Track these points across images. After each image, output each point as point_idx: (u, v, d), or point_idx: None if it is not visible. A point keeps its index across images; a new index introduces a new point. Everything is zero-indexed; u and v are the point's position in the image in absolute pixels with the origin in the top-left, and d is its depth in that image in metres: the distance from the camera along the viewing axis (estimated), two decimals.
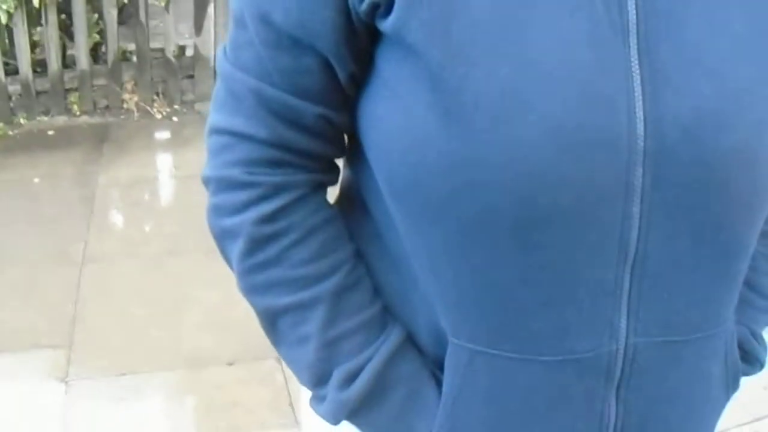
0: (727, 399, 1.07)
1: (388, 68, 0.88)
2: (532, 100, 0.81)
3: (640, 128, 0.83)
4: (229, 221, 0.96)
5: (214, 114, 0.97)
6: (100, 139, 4.59)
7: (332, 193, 1.04)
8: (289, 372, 1.04)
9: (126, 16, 5.00)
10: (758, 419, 2.78)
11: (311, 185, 0.97)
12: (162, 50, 4.89)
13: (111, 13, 4.68)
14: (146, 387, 2.89)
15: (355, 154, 0.98)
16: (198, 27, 4.88)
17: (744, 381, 1.10)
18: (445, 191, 0.86)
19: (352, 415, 0.98)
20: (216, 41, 4.86)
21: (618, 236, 0.87)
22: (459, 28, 0.82)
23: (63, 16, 4.72)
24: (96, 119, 4.81)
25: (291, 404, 2.78)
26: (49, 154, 4.43)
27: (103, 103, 4.89)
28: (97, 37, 4.88)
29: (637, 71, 0.83)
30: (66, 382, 2.88)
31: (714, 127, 0.84)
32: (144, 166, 4.37)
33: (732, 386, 1.06)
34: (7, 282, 3.39)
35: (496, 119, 0.81)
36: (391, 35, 0.86)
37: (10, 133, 4.62)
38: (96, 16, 4.82)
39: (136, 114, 4.86)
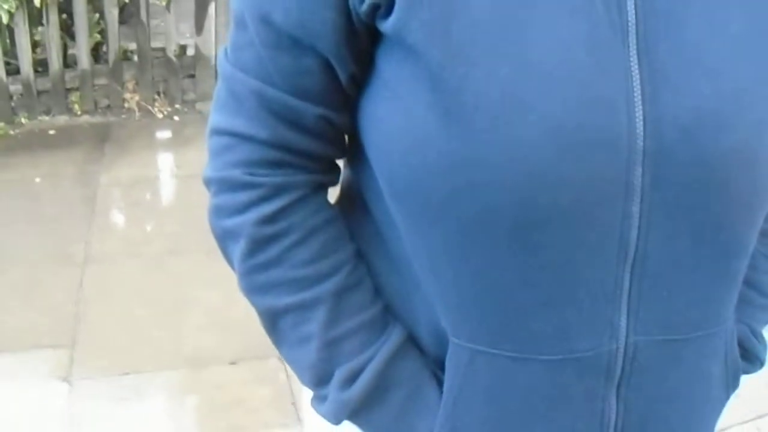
0: (728, 397, 1.07)
1: (389, 69, 0.88)
2: (531, 101, 0.81)
3: (639, 128, 0.83)
4: (231, 222, 0.96)
5: (215, 115, 0.98)
6: (101, 138, 4.59)
7: (333, 194, 1.04)
8: (291, 371, 1.04)
9: (127, 15, 5.00)
10: (761, 416, 2.78)
11: (312, 186, 0.98)
12: (163, 50, 4.90)
13: (112, 13, 4.68)
14: (149, 386, 2.90)
15: (356, 154, 0.98)
16: (199, 26, 4.88)
17: (746, 378, 1.10)
18: (445, 191, 0.86)
19: (354, 415, 0.98)
20: (217, 41, 4.86)
21: (618, 236, 0.87)
22: (459, 29, 0.82)
23: (64, 15, 4.72)
24: (97, 119, 4.81)
25: (293, 403, 2.78)
26: (50, 153, 4.43)
27: (104, 102, 4.89)
28: (98, 36, 4.88)
29: (637, 71, 0.83)
30: (69, 382, 2.88)
31: (713, 127, 0.84)
32: (145, 166, 4.38)
33: (732, 385, 1.06)
34: (8, 282, 3.40)
35: (496, 119, 0.81)
36: (392, 36, 0.86)
37: (12, 132, 4.62)
38: (97, 15, 4.83)
39: (137, 113, 4.86)
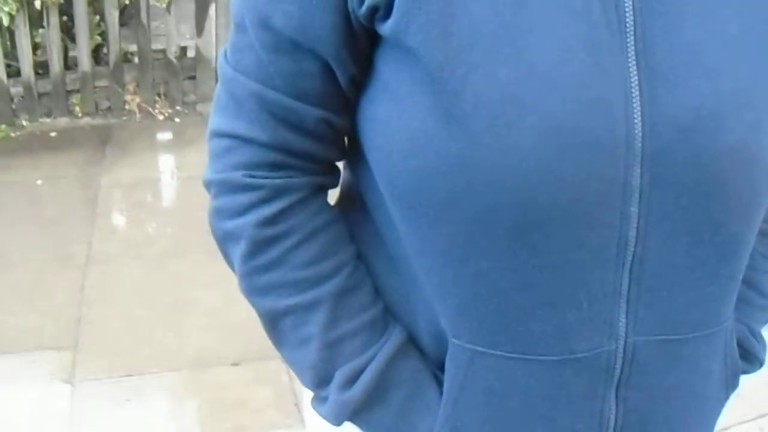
0: (727, 397, 1.07)
1: (388, 71, 0.88)
2: (530, 102, 0.81)
3: (637, 129, 0.83)
4: (231, 224, 0.97)
5: (215, 117, 0.98)
6: (102, 140, 4.60)
7: (333, 196, 1.05)
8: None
9: (127, 17, 5.01)
10: (762, 416, 2.78)
11: (312, 188, 0.98)
12: (163, 51, 4.90)
13: (112, 15, 4.68)
14: (151, 388, 2.90)
15: (356, 156, 0.99)
16: (199, 28, 4.88)
17: (748, 378, 1.10)
18: (444, 192, 0.86)
19: (354, 416, 0.99)
20: (217, 42, 4.86)
21: (617, 236, 0.87)
22: (458, 31, 0.82)
23: (65, 17, 4.73)
24: (98, 121, 4.81)
25: (296, 404, 2.78)
26: (51, 155, 4.43)
27: (105, 104, 4.90)
28: (98, 38, 4.89)
29: (635, 72, 0.83)
30: (71, 384, 2.89)
31: (712, 127, 0.84)
32: (146, 168, 4.38)
33: (731, 385, 1.06)
34: (10, 284, 3.40)
35: (495, 121, 0.82)
36: (391, 38, 0.86)
37: (13, 135, 4.63)
38: (97, 17, 4.83)
39: (138, 115, 4.86)
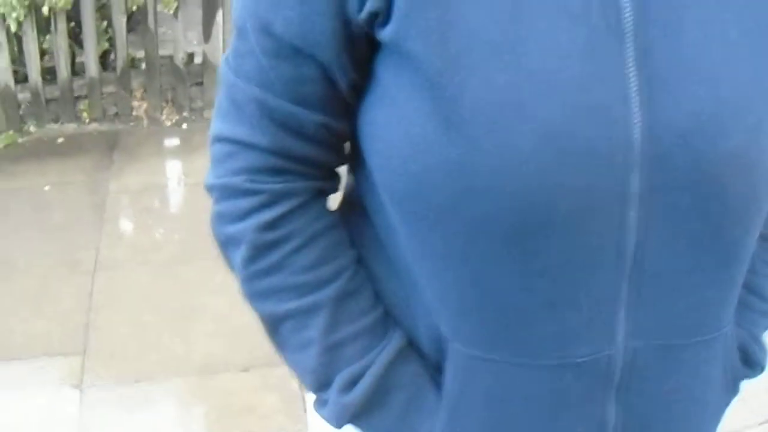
0: (728, 402, 1.08)
1: (387, 76, 0.89)
2: (529, 108, 0.82)
3: (636, 135, 0.83)
4: (232, 228, 0.98)
5: (216, 122, 0.99)
6: (110, 146, 4.59)
7: (336, 201, 1.05)
8: None
9: (135, 23, 5.01)
10: (767, 421, 2.77)
11: (312, 192, 0.99)
12: (171, 57, 4.89)
13: (120, 21, 4.68)
14: (160, 394, 2.90)
15: (357, 160, 0.99)
16: (206, 34, 4.88)
17: (752, 383, 1.11)
18: (444, 198, 0.87)
19: (355, 419, 1.00)
20: (224, 48, 4.86)
21: (616, 242, 0.88)
22: (456, 37, 0.83)
23: (72, 23, 4.72)
24: (106, 126, 4.81)
25: (305, 410, 2.77)
26: (59, 161, 4.43)
27: (112, 110, 4.89)
28: (106, 44, 4.88)
29: (634, 78, 0.84)
30: (80, 389, 2.89)
31: (711, 132, 0.84)
32: (154, 173, 4.38)
33: (732, 390, 1.07)
34: (19, 290, 3.40)
35: (494, 126, 0.82)
36: (390, 44, 0.86)
37: (20, 140, 4.62)
38: (105, 23, 4.83)
39: (145, 121, 4.86)
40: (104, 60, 4.92)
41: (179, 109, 4.94)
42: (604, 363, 0.93)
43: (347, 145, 1.01)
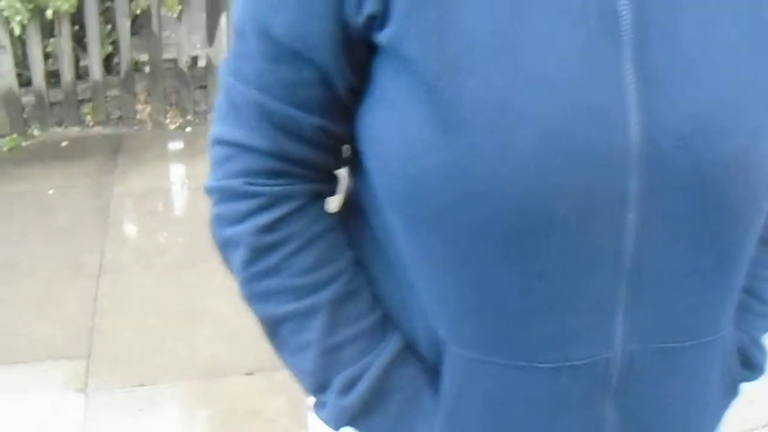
0: (727, 405, 1.07)
1: (385, 80, 0.89)
2: (527, 111, 0.82)
3: (634, 137, 0.83)
4: (231, 231, 0.98)
5: (216, 125, 0.99)
6: (113, 149, 4.60)
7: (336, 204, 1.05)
8: None
9: (138, 26, 5.02)
10: None
11: (311, 195, 0.99)
12: (174, 61, 4.90)
13: (124, 24, 4.69)
14: (164, 397, 2.90)
15: (356, 163, 0.99)
16: (210, 37, 4.89)
17: (756, 386, 1.10)
18: (442, 201, 0.87)
19: (353, 421, 1.00)
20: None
21: (614, 244, 0.87)
22: (454, 39, 0.83)
23: (76, 27, 4.73)
24: (109, 130, 4.82)
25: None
26: (63, 165, 4.44)
27: (116, 113, 4.90)
28: (110, 48, 4.89)
29: (632, 80, 0.83)
30: (85, 393, 2.89)
31: (710, 135, 0.84)
32: (158, 177, 4.38)
33: (731, 392, 1.06)
34: (23, 294, 3.40)
35: (492, 129, 0.82)
36: (388, 47, 0.86)
37: (24, 144, 4.63)
38: (109, 27, 4.84)
39: (149, 125, 4.87)
40: (108, 63, 4.93)
41: (183, 113, 4.94)
42: (602, 366, 0.93)
43: (346, 148, 1.01)
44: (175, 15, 4.74)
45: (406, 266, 0.96)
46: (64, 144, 4.66)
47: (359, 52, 0.90)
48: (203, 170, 1.01)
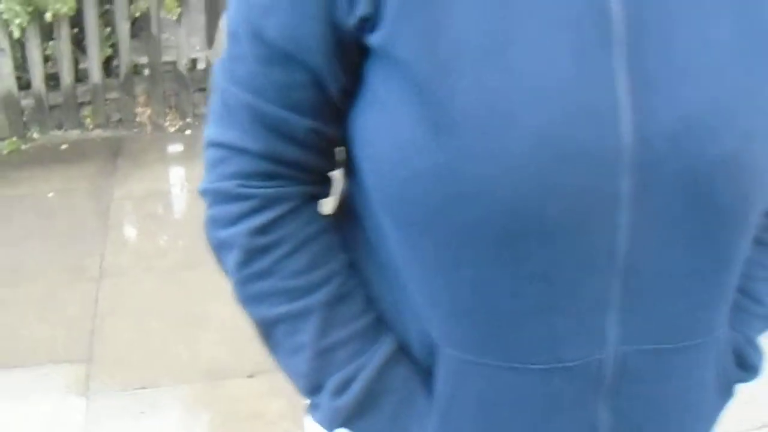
0: (722, 406, 1.07)
1: (377, 82, 0.89)
2: (518, 113, 0.82)
3: (627, 139, 0.83)
4: (225, 233, 0.98)
5: (210, 127, 1.00)
6: (113, 152, 4.60)
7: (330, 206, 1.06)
8: None
9: (138, 29, 5.02)
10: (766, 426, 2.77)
11: (304, 197, 0.99)
12: (174, 63, 4.90)
13: (123, 27, 4.69)
14: (165, 400, 2.90)
15: (349, 165, 1.00)
16: (210, 40, 4.89)
17: (751, 386, 1.10)
18: (434, 202, 0.87)
19: (347, 422, 1.00)
20: None
21: (606, 246, 0.87)
22: (446, 42, 0.83)
23: (75, 29, 4.73)
24: (109, 133, 4.82)
25: None
26: (62, 168, 4.44)
27: (116, 116, 4.90)
28: (109, 50, 4.89)
29: (625, 82, 0.83)
30: (86, 397, 2.89)
31: (702, 136, 0.84)
32: (158, 180, 4.38)
33: (726, 393, 1.06)
34: (24, 297, 3.40)
35: (483, 131, 0.82)
36: (379, 49, 0.87)
37: (23, 147, 4.64)
38: (108, 29, 4.84)
39: (149, 127, 4.87)
40: (107, 66, 4.93)
41: (183, 115, 4.94)
42: (595, 367, 0.93)
43: (340, 151, 1.01)
44: (174, 17, 4.75)
45: (398, 268, 0.96)
46: (63, 147, 4.66)
47: (351, 54, 0.90)
48: (203, 173, 1.01)
